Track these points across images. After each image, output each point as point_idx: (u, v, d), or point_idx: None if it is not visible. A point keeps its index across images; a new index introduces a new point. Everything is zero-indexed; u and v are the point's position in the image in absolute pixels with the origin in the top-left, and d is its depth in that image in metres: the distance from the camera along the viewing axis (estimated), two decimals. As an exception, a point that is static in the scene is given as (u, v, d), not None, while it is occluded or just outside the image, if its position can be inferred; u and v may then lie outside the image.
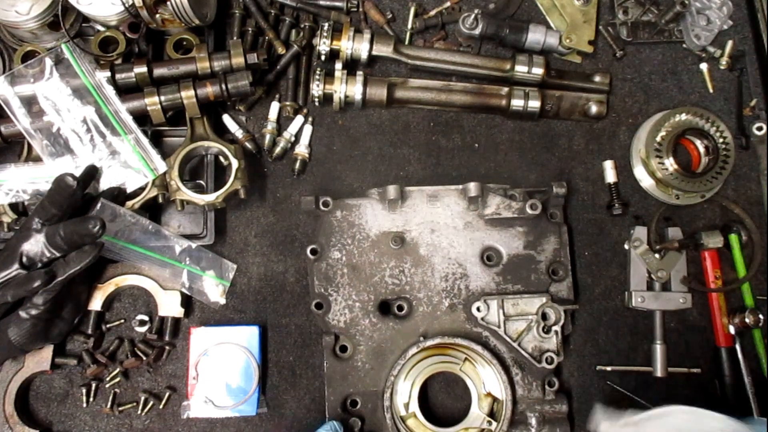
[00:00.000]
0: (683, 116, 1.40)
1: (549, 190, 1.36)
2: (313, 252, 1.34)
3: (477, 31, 1.43)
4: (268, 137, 1.43)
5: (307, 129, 1.44)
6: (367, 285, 1.33)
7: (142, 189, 1.28)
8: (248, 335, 1.31)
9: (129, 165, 1.27)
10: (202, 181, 1.36)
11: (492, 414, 1.30)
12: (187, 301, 1.34)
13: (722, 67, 1.51)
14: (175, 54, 1.35)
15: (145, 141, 1.28)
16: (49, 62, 1.25)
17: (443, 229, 1.37)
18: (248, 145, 1.42)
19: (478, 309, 1.31)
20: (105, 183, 1.26)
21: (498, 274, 1.35)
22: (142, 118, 1.30)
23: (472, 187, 1.34)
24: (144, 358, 1.30)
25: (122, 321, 1.34)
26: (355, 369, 1.30)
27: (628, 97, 1.50)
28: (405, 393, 1.29)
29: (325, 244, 1.35)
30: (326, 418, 1.28)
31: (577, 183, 1.45)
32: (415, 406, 1.29)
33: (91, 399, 1.30)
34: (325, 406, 1.29)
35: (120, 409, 1.30)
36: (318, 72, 1.38)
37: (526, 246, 1.37)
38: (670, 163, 1.38)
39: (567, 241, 1.38)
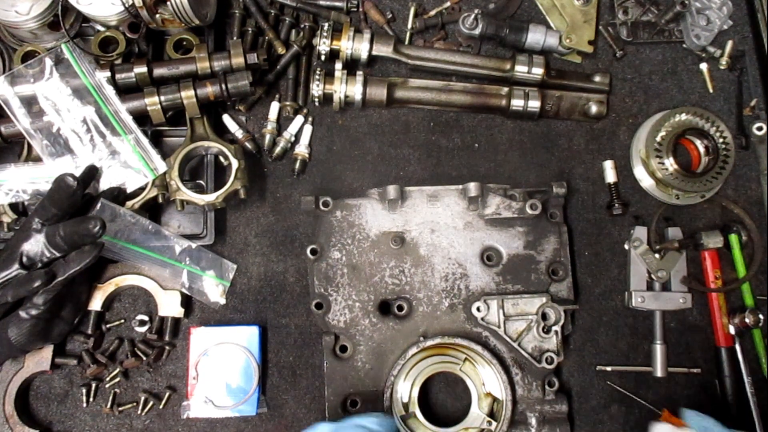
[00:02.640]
0: (683, 116, 1.40)
1: (549, 190, 1.37)
2: (313, 252, 1.34)
3: (477, 31, 1.43)
4: (268, 137, 1.43)
5: (307, 129, 1.44)
6: (367, 285, 1.33)
7: (142, 189, 1.28)
8: (248, 335, 1.31)
9: (129, 165, 1.27)
10: (202, 181, 1.36)
11: (492, 414, 1.30)
12: (187, 301, 1.34)
13: (722, 67, 1.51)
14: (175, 54, 1.35)
15: (145, 141, 1.28)
16: (49, 62, 1.25)
17: (443, 229, 1.37)
18: (248, 145, 1.42)
19: (478, 309, 1.31)
20: (105, 183, 1.26)
21: (498, 274, 1.35)
22: (142, 118, 1.30)
23: (472, 187, 1.34)
24: (144, 358, 1.30)
25: (122, 321, 1.34)
26: (355, 369, 1.30)
27: (628, 97, 1.50)
28: (405, 393, 1.29)
29: (325, 244, 1.35)
30: (326, 418, 1.28)
31: (577, 183, 1.45)
32: (415, 406, 1.29)
33: (91, 399, 1.30)
34: (325, 406, 1.29)
35: (120, 409, 1.30)
36: (318, 72, 1.38)
37: (526, 246, 1.37)
38: (670, 163, 1.38)
39: (567, 241, 1.38)
